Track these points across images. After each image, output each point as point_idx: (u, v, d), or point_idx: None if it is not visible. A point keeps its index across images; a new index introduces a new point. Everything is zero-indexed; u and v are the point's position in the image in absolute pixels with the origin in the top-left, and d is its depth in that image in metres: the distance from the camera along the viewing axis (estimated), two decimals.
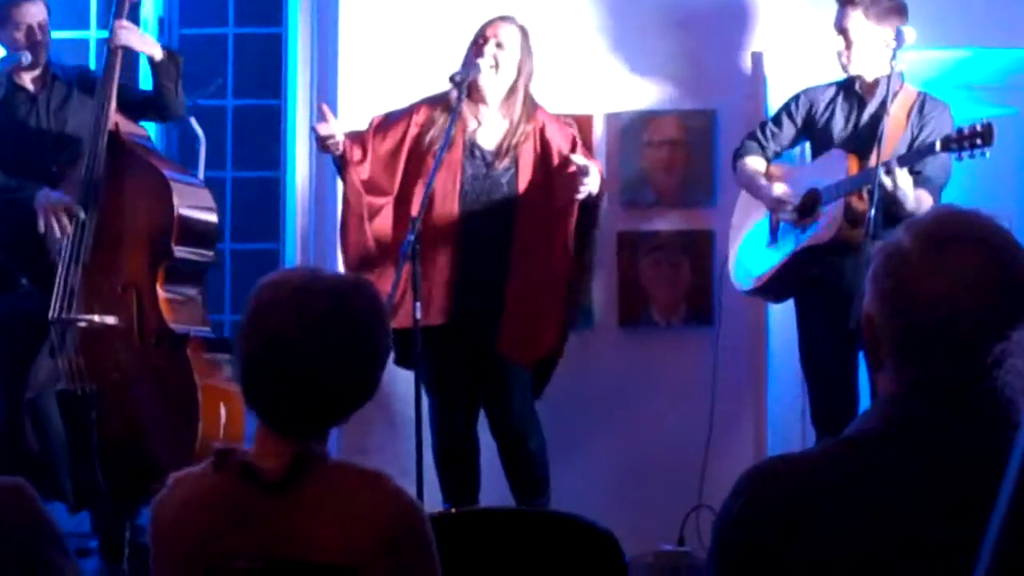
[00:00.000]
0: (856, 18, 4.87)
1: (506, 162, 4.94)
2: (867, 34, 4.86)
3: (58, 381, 4.77)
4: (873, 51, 4.85)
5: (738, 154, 5.16)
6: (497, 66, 4.93)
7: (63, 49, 5.60)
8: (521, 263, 4.89)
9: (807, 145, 5.19)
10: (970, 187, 5.02)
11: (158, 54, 5.04)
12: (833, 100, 5.01)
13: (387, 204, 4.96)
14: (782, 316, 5.35)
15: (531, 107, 5.00)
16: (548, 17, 5.58)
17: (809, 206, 4.88)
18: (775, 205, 4.97)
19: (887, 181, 4.54)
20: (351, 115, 5.72)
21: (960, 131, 4.54)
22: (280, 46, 5.99)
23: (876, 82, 4.88)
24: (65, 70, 5.27)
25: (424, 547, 2.24)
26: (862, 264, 4.29)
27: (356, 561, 2.18)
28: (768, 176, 5.06)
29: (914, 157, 4.65)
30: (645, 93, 5.65)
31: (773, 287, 5.03)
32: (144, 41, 5.08)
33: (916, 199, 4.61)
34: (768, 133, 5.12)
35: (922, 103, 4.86)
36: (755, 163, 5.11)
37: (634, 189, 5.61)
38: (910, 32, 4.75)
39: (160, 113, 5.17)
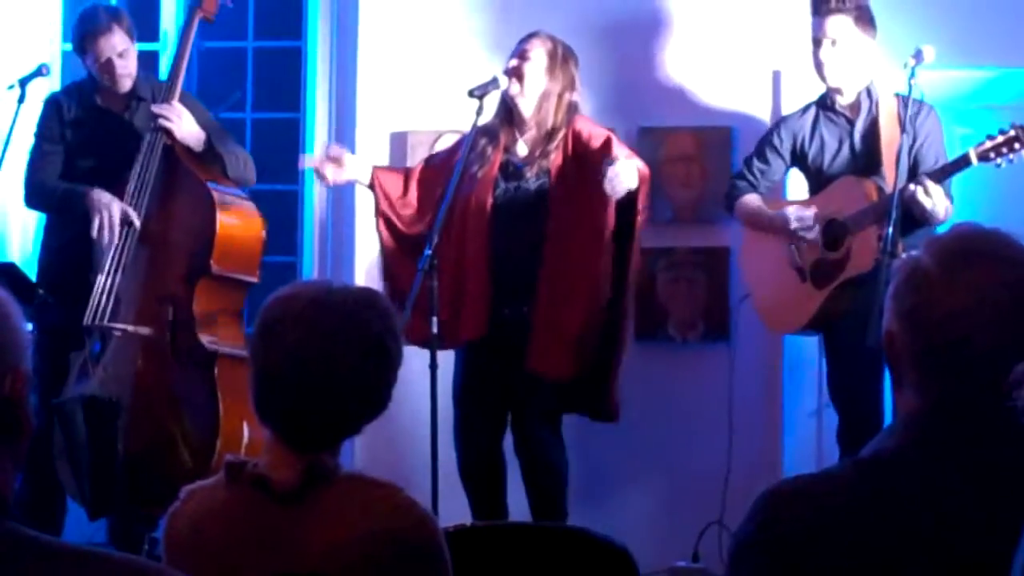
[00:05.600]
0: (845, 24, 4.73)
1: (535, 170, 4.87)
2: (855, 43, 4.74)
3: (86, 387, 4.76)
4: (858, 62, 4.75)
5: (731, 196, 5.06)
6: (521, 78, 4.87)
7: None
8: (550, 274, 4.80)
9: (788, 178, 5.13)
10: (989, 204, 4.99)
11: (198, 148, 4.99)
12: (815, 125, 4.89)
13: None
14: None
15: (567, 117, 4.90)
16: (564, 33, 5.57)
17: (836, 238, 4.75)
18: (797, 227, 4.80)
19: (926, 201, 4.47)
20: (370, 128, 5.73)
21: (992, 138, 4.44)
22: (300, 60, 6.00)
23: (857, 99, 4.80)
24: (152, 90, 5.17)
25: (437, 560, 2.24)
26: (880, 283, 4.23)
27: (368, 573, 2.18)
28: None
29: (949, 171, 4.53)
30: (662, 109, 5.64)
31: (816, 323, 4.88)
32: (190, 131, 4.99)
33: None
34: (756, 171, 5.01)
35: (904, 104, 4.67)
36: (753, 199, 5.01)
37: (651, 205, 5.59)
38: (929, 51, 4.62)
39: None
